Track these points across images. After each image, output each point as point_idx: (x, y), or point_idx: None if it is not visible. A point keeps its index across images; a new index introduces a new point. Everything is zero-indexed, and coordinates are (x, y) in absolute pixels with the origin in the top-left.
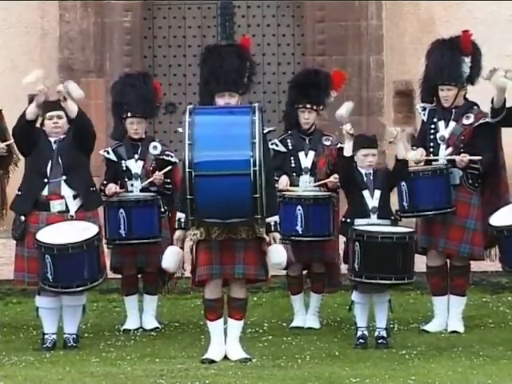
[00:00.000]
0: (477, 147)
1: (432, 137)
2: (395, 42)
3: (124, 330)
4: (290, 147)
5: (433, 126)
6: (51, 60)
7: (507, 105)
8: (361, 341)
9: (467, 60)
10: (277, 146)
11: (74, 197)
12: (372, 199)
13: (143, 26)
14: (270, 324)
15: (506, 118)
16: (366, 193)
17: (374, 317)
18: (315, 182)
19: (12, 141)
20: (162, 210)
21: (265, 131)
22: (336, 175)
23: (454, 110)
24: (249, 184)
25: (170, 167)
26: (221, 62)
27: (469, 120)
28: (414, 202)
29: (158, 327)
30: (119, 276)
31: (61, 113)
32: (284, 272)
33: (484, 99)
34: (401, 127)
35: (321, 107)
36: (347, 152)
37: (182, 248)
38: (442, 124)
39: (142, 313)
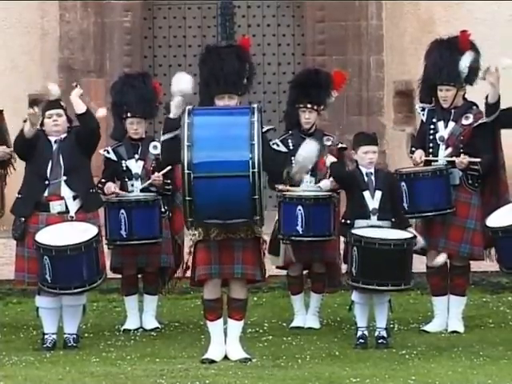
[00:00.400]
0: (476, 147)
1: (431, 137)
2: (395, 42)
3: (124, 330)
4: (291, 147)
5: (432, 127)
6: (51, 60)
7: (504, 106)
8: (361, 341)
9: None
10: (278, 145)
11: (74, 198)
12: (373, 200)
13: (143, 26)
14: (270, 324)
15: (505, 119)
16: (366, 193)
17: (374, 317)
18: (316, 182)
19: (12, 149)
20: (163, 210)
21: (264, 129)
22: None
23: (453, 111)
24: (248, 186)
25: (169, 167)
26: (220, 63)
27: (468, 120)
28: (414, 202)
29: (158, 327)
30: (119, 276)
31: (60, 111)
32: (284, 272)
33: (483, 99)
34: (400, 127)
35: (321, 107)
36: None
37: None
38: (441, 124)
39: (142, 313)
